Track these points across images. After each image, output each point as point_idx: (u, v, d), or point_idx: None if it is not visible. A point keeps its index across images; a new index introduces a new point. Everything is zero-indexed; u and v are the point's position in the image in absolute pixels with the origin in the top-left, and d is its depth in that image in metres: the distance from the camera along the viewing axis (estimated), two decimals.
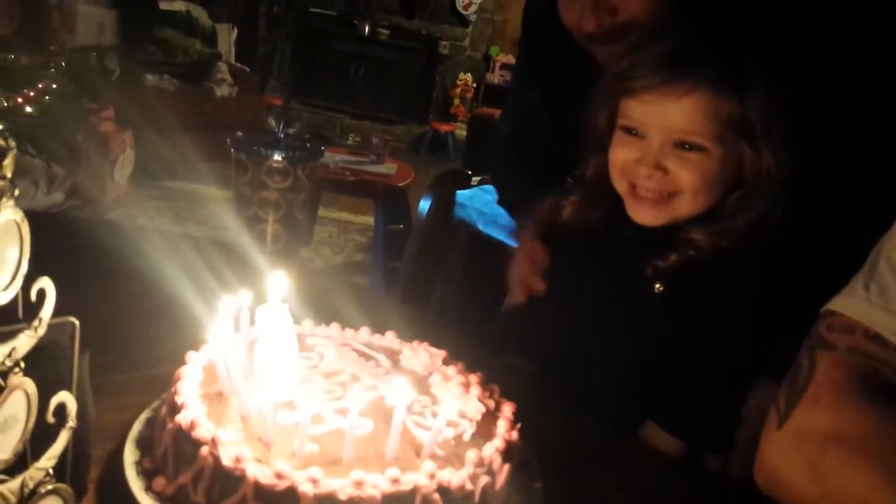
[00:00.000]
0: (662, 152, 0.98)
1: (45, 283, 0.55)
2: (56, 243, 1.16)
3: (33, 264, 0.56)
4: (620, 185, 1.04)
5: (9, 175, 0.50)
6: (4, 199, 0.50)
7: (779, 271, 1.01)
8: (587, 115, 1.07)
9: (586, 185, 1.12)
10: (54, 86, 3.18)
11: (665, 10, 1.06)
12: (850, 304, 0.88)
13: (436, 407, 0.75)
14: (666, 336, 1.05)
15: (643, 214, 1.02)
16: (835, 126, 1.04)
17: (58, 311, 0.61)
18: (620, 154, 1.02)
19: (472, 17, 6.62)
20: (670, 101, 0.96)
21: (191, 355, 0.77)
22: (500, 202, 1.50)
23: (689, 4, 1.06)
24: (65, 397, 0.60)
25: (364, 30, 6.52)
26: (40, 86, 3.12)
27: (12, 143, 0.49)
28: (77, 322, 0.63)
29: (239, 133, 1.21)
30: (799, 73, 0.98)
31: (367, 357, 0.84)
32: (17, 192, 0.51)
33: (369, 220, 3.95)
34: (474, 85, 6.70)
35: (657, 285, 1.04)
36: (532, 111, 1.44)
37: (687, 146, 0.97)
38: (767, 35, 0.99)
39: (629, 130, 1.01)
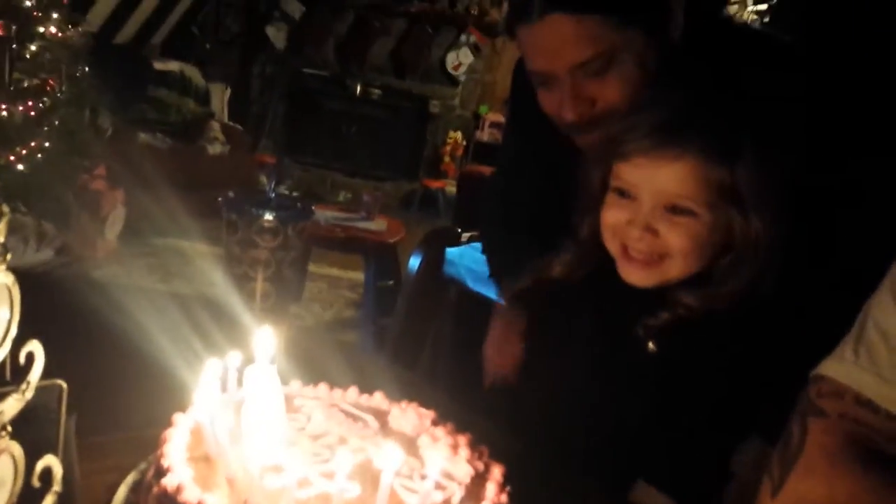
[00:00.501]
0: (653, 215, 0.99)
1: (35, 346, 0.55)
2: (44, 303, 1.16)
3: (20, 323, 0.57)
4: (612, 246, 1.05)
5: (1, 240, 0.51)
6: None
7: (770, 333, 1.01)
8: (581, 176, 1.09)
9: (579, 245, 1.13)
10: (47, 144, 3.20)
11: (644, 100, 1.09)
12: (839, 368, 0.88)
13: (424, 469, 0.74)
14: (657, 395, 1.05)
15: (634, 275, 1.03)
16: (824, 192, 1.06)
17: (45, 373, 0.62)
18: (612, 215, 1.04)
19: (462, 78, 6.74)
20: (661, 166, 0.98)
21: (178, 417, 0.77)
22: (489, 269, 1.52)
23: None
24: (51, 461, 0.60)
25: (356, 89, 6.62)
26: (33, 144, 3.14)
27: (6, 210, 0.50)
28: (65, 385, 0.64)
29: (230, 193, 1.23)
30: (789, 142, 1.00)
31: (355, 418, 0.83)
32: (8, 257, 0.51)
33: (359, 276, 3.95)
34: (464, 143, 6.79)
35: (650, 345, 1.05)
36: (521, 169, 1.47)
37: (677, 210, 0.98)
38: (758, 105, 1.01)
39: (621, 192, 1.03)
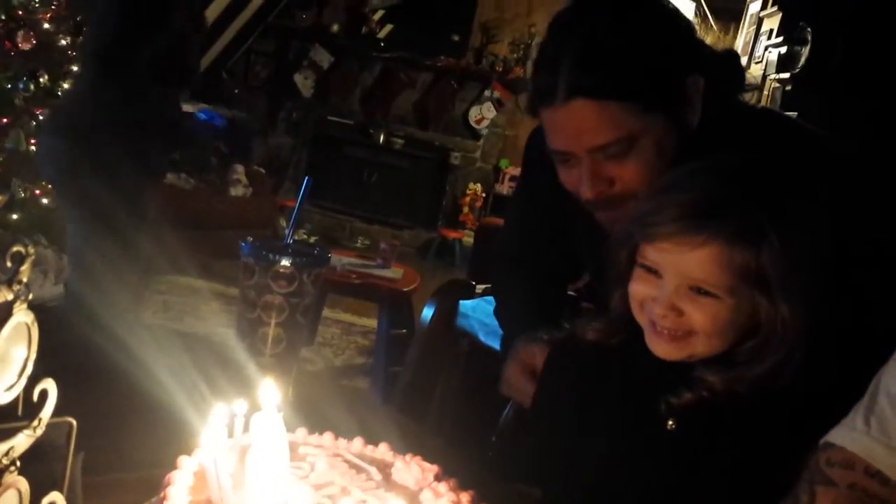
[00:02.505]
0: (677, 294, 1.00)
1: (49, 384, 0.57)
2: (55, 338, 1.18)
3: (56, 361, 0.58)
4: (641, 319, 1.06)
5: (24, 280, 0.53)
6: (18, 303, 0.53)
7: (793, 419, 1.01)
8: (606, 252, 1.10)
9: (609, 315, 1.14)
10: None
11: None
12: (849, 437, 0.87)
13: None
14: (675, 472, 1.05)
15: (661, 348, 1.04)
16: (854, 278, 1.06)
17: (55, 409, 0.63)
18: (639, 290, 1.05)
19: (484, 132, 6.83)
20: (686, 251, 0.98)
21: (182, 460, 0.77)
22: (495, 312, 1.53)
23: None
24: (56, 498, 0.60)
25: (379, 138, 6.72)
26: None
27: (31, 251, 0.52)
28: (75, 423, 0.65)
29: (249, 238, 1.25)
30: (814, 225, 1.01)
31: (359, 469, 0.84)
32: (30, 297, 0.53)
33: (373, 323, 3.96)
34: (483, 195, 6.85)
35: (670, 422, 1.04)
36: (533, 233, 1.49)
37: (701, 291, 0.99)
38: (781, 189, 1.02)
39: (648, 268, 1.03)
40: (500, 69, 6.57)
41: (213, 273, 4.43)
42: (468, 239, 6.36)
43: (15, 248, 0.51)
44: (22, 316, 0.53)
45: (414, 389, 1.76)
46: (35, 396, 0.56)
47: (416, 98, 6.75)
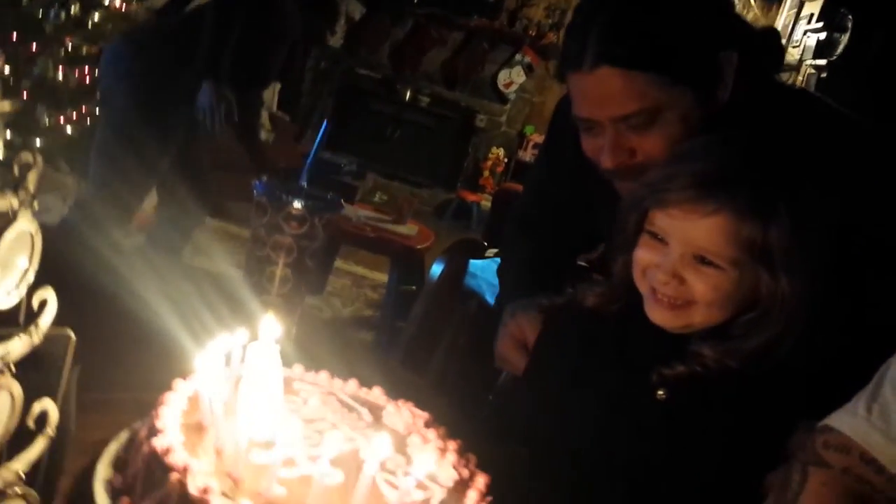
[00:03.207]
0: (681, 262, 1.00)
1: (48, 293, 0.57)
2: (69, 258, 1.19)
3: (42, 273, 0.59)
4: (642, 286, 1.06)
5: (31, 189, 0.53)
6: (23, 211, 0.53)
7: (784, 397, 1.01)
8: (616, 217, 1.10)
9: (611, 280, 1.14)
10: (97, 110, 3.27)
11: None
12: (849, 423, 0.87)
13: (409, 468, 0.75)
14: (663, 442, 1.05)
15: (660, 316, 1.04)
16: (857, 261, 1.05)
17: (57, 324, 0.64)
18: (643, 256, 1.05)
19: (512, 96, 6.77)
20: (695, 219, 0.98)
21: (178, 383, 0.79)
22: (501, 289, 1.53)
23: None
24: (48, 405, 0.62)
25: (405, 95, 6.68)
26: (84, 109, 3.22)
27: (40, 162, 0.53)
28: (73, 336, 0.66)
29: (264, 177, 1.25)
30: (827, 209, 1.00)
31: (350, 409, 0.85)
32: (35, 206, 0.54)
33: (384, 277, 3.98)
34: (506, 160, 6.81)
35: (660, 391, 1.05)
36: (551, 198, 1.48)
37: (705, 261, 0.99)
38: (800, 168, 1.01)
39: (654, 235, 1.03)
40: (534, 34, 6.49)
41: (227, 214, 4.45)
42: (486, 203, 6.35)
43: (24, 157, 0.51)
44: (26, 224, 0.54)
45: (417, 343, 1.76)
46: (35, 305, 0.57)
47: (445, 56, 6.68)
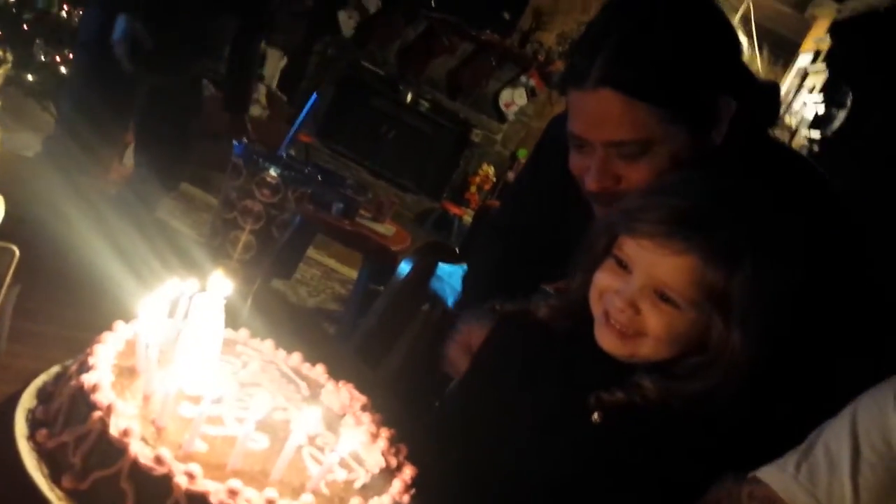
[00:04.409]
0: (641, 293, 1.00)
1: None
2: (39, 189, 1.17)
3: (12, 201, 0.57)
4: (596, 308, 1.06)
5: None
6: None
7: (714, 442, 1.01)
8: (587, 236, 1.10)
9: (567, 296, 1.14)
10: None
11: None
12: (777, 477, 0.88)
13: (337, 447, 0.74)
14: (592, 465, 1.05)
15: (608, 341, 1.04)
16: (810, 329, 1.06)
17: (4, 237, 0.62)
18: (604, 280, 1.05)
19: (511, 116, 6.78)
20: (663, 254, 0.98)
21: (118, 325, 0.77)
22: (463, 293, 1.52)
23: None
24: None
25: (406, 96, 6.66)
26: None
27: (10, 57, 0.51)
28: (17, 252, 0.64)
29: (245, 140, 1.24)
30: (793, 270, 1.00)
31: (290, 380, 0.83)
32: None
33: (354, 274, 3.95)
34: (494, 179, 6.81)
35: (595, 415, 1.05)
36: (526, 210, 1.48)
37: (664, 297, 0.99)
38: (774, 225, 1.02)
39: (619, 262, 1.03)
40: (542, 58, 6.51)
41: (210, 185, 4.41)
42: (468, 218, 6.34)
43: None
44: None
45: (373, 338, 1.75)
46: None
47: (452, 65, 6.68)
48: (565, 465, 1.05)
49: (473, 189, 6.79)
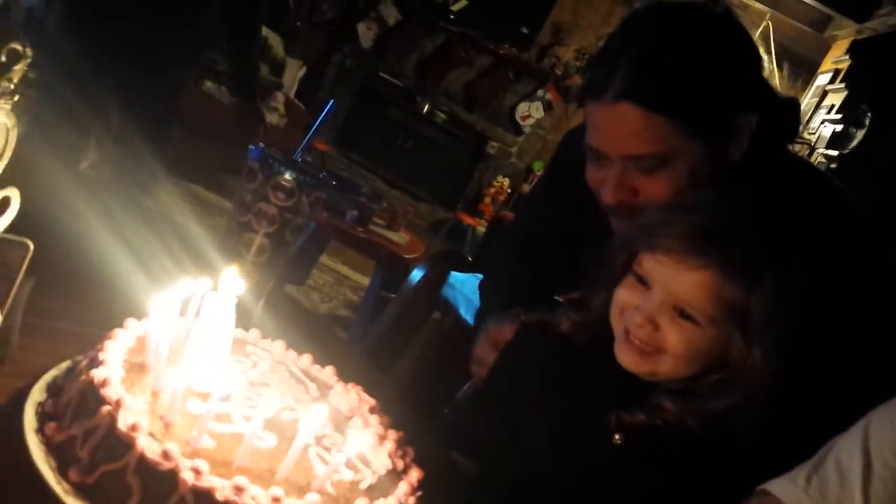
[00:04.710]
0: (660, 310, 0.99)
1: (13, 192, 0.56)
2: (53, 186, 1.18)
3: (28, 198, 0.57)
4: (617, 325, 1.06)
5: (15, 80, 0.52)
6: (3, 101, 0.52)
7: (735, 464, 1.00)
8: (605, 251, 1.09)
9: (589, 312, 1.13)
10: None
11: None
12: (787, 490, 0.87)
13: (344, 448, 0.74)
14: (611, 485, 1.04)
15: (628, 358, 1.03)
16: (829, 346, 1.05)
17: (16, 231, 0.62)
18: (624, 296, 1.04)
19: (527, 129, 6.79)
20: (681, 270, 0.97)
21: (130, 322, 0.77)
22: (480, 285, 1.52)
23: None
24: None
25: (423, 108, 6.69)
26: None
27: (29, 53, 0.51)
28: (32, 246, 0.64)
29: (261, 144, 1.24)
30: (810, 289, 0.99)
31: (299, 381, 0.83)
32: (16, 98, 0.53)
33: (367, 281, 3.96)
34: (509, 190, 6.82)
35: (617, 436, 1.04)
36: (542, 223, 1.48)
37: (684, 314, 0.98)
38: (794, 240, 1.01)
39: (639, 278, 1.03)
40: (560, 73, 6.52)
41: (225, 189, 4.43)
42: (482, 229, 6.34)
43: (12, 45, 0.50)
44: (3, 116, 0.53)
45: (385, 342, 1.75)
46: None
47: (469, 78, 6.71)
48: (582, 483, 1.04)
49: (488, 200, 6.80)
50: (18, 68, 0.51)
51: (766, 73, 1.18)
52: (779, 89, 1.23)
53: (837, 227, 1.12)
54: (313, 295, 4.01)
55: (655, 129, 1.07)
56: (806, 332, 0.99)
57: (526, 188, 6.71)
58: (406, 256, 3.58)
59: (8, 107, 0.52)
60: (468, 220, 6.57)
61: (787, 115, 1.22)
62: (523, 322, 1.22)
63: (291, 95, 5.65)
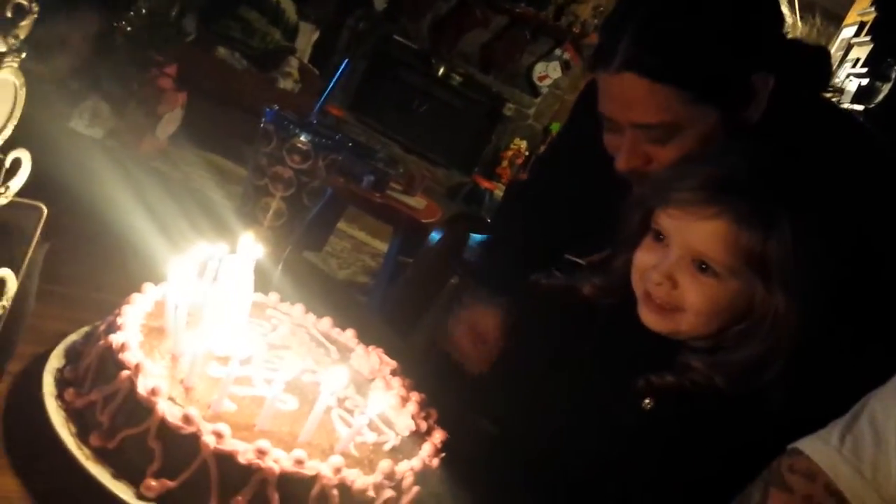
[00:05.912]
0: (678, 265, 0.98)
1: (23, 154, 0.55)
2: (69, 151, 1.17)
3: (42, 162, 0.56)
4: (638, 287, 1.04)
5: (21, 36, 0.50)
6: (10, 58, 0.51)
7: (767, 426, 0.99)
8: (622, 212, 1.08)
9: (611, 275, 1.12)
10: (128, 28, 3.19)
11: None
12: (820, 449, 0.85)
13: (367, 410, 0.73)
14: (640, 448, 1.03)
15: (648, 318, 1.02)
16: (853, 288, 1.03)
17: (30, 195, 0.61)
18: (643, 258, 1.03)
19: (544, 90, 6.70)
20: (694, 220, 0.96)
21: (147, 286, 0.76)
22: (483, 264, 1.51)
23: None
24: (6, 275, 0.59)
25: (438, 70, 6.61)
26: (114, 24, 3.13)
27: (35, 7, 0.50)
28: (45, 209, 0.63)
29: (276, 106, 1.23)
30: (832, 228, 0.97)
31: (319, 344, 0.82)
32: (23, 55, 0.51)
33: (384, 247, 3.95)
34: (526, 153, 6.75)
35: (647, 400, 1.03)
36: (558, 181, 1.45)
37: (703, 267, 0.97)
38: (809, 183, 0.99)
39: (657, 235, 1.01)
40: (578, 31, 6.41)
41: (242, 157, 4.42)
42: (499, 192, 6.31)
43: (17, 0, 0.48)
44: (10, 74, 0.51)
45: (404, 305, 1.74)
46: (8, 163, 0.55)
47: (485, 39, 6.61)
48: (611, 449, 1.03)
49: (505, 163, 6.74)
50: (25, 24, 0.49)
51: (788, 28, 1.15)
52: (810, 34, 1.20)
53: (868, 169, 1.10)
54: (331, 261, 4.01)
55: (661, 99, 1.05)
56: (832, 276, 0.97)
57: (543, 149, 6.65)
58: (424, 221, 3.56)
59: (15, 64, 0.50)
60: (486, 183, 6.53)
61: (816, 66, 1.19)
62: (542, 287, 1.20)
63: (305, 60, 5.60)
